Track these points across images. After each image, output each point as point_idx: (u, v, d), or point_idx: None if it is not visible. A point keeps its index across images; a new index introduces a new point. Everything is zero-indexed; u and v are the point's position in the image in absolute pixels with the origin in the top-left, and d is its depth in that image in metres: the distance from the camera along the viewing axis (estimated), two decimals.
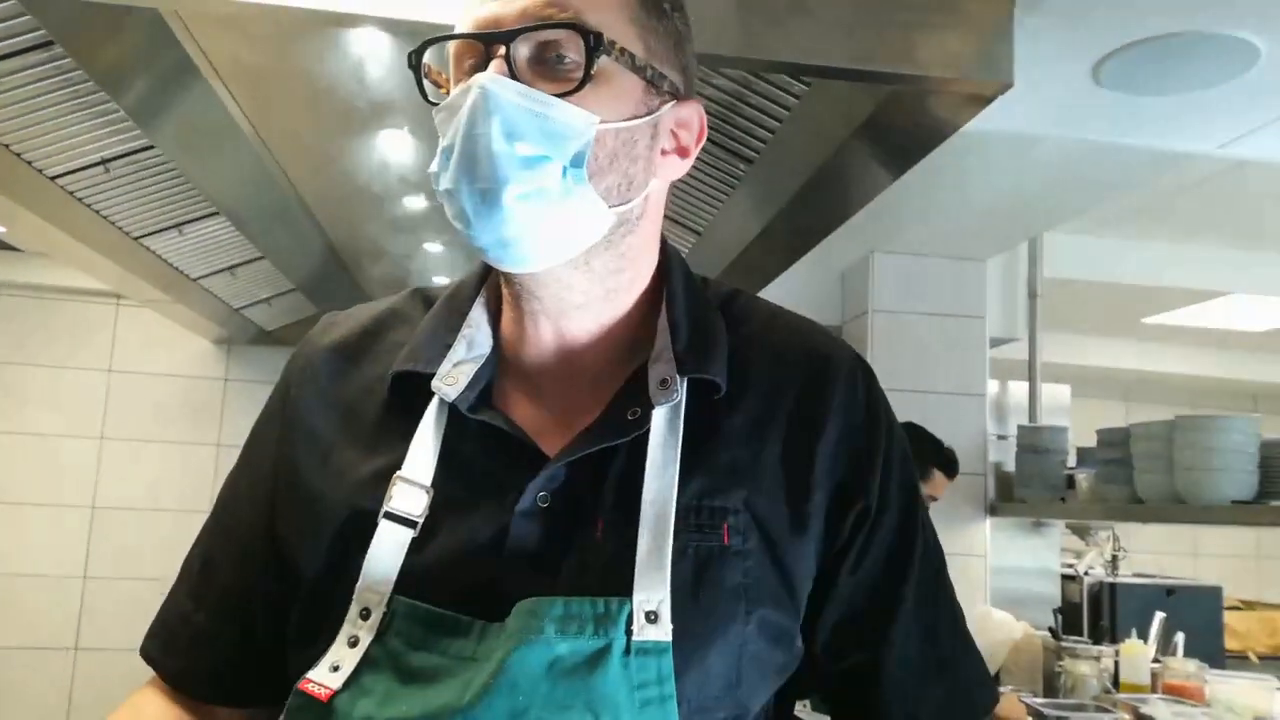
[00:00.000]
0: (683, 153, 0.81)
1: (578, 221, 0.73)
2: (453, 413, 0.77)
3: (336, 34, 1.74)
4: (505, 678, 0.67)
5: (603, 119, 0.72)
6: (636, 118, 0.75)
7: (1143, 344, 4.98)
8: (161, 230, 2.54)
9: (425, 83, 0.76)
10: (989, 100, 1.50)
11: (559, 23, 0.71)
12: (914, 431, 2.92)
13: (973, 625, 2.92)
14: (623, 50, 0.73)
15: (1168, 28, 1.68)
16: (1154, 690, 2.53)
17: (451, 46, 0.75)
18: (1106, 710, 2.19)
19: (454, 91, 0.72)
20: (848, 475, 0.79)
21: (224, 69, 1.89)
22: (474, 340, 0.81)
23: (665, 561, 0.70)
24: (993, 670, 3.04)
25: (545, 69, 0.72)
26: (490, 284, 0.85)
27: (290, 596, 0.78)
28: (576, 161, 0.71)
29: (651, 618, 0.69)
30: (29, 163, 2.03)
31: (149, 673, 0.87)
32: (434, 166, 0.74)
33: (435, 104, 0.74)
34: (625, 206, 0.76)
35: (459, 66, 0.74)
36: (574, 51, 0.72)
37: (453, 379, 0.78)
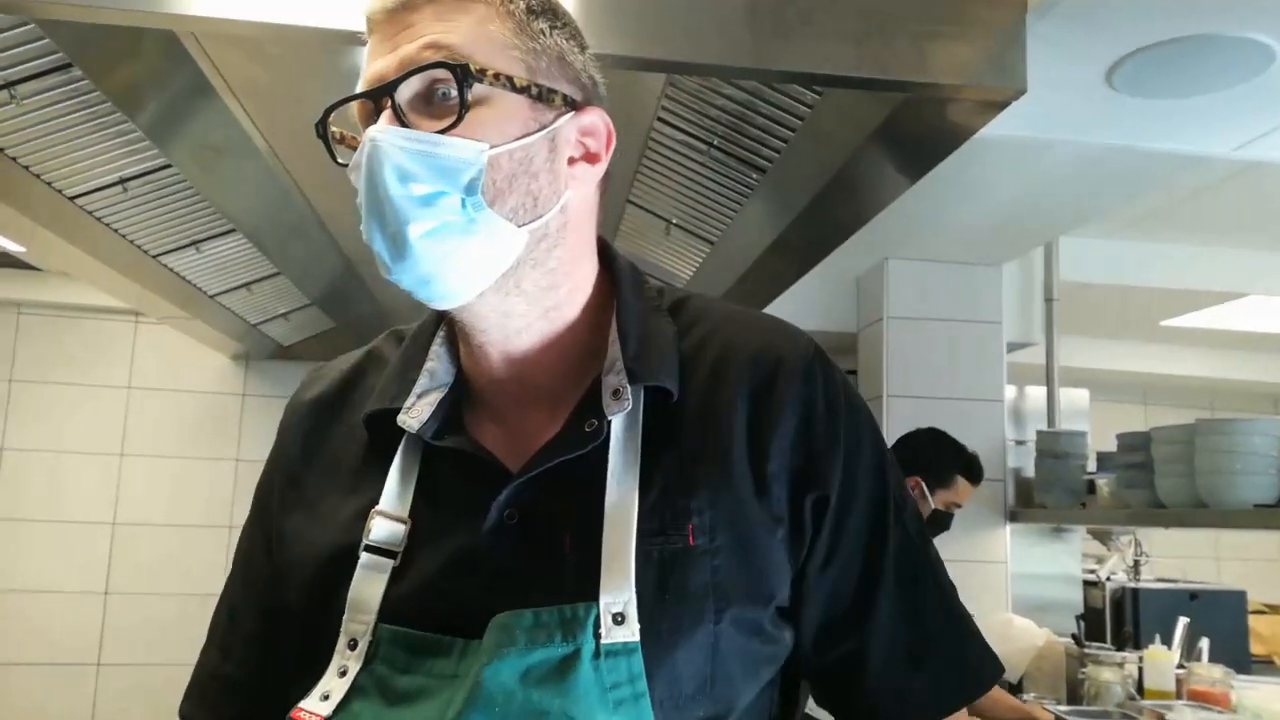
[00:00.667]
0: (592, 159, 0.82)
1: (489, 247, 0.75)
2: (425, 443, 0.80)
3: (348, 52, 1.75)
4: (482, 692, 0.69)
5: (492, 144, 0.74)
6: (528, 135, 0.77)
7: (1161, 347, 4.95)
8: (179, 248, 2.56)
9: (337, 147, 0.80)
10: (1002, 107, 1.50)
11: (426, 65, 0.74)
12: (936, 437, 2.90)
13: (995, 633, 2.89)
14: (497, 75, 0.75)
15: (1181, 31, 1.67)
16: (1179, 696, 2.51)
17: (355, 110, 0.78)
18: (1132, 717, 2.17)
19: (357, 152, 0.75)
20: (804, 466, 0.79)
21: (239, 88, 1.91)
22: (436, 372, 0.84)
23: (629, 564, 0.72)
24: (1015, 678, 3.02)
25: (431, 109, 0.75)
26: (449, 318, 0.87)
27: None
28: (470, 190, 0.73)
29: (618, 619, 0.71)
30: (48, 183, 2.05)
31: (171, 687, 0.91)
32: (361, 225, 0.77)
33: (344, 164, 0.77)
34: (537, 223, 0.78)
35: (363, 125, 0.77)
36: (453, 88, 0.74)
37: (416, 411, 0.81)
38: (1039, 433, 3.46)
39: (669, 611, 0.73)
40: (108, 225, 2.30)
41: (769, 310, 3.15)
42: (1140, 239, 3.69)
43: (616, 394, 0.77)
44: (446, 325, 0.87)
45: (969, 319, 3.51)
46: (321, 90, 1.98)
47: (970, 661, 0.86)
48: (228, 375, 4.20)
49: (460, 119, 0.73)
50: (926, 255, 3.45)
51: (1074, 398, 3.73)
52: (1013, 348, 3.65)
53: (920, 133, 1.63)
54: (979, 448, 2.98)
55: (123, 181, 2.12)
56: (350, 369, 0.92)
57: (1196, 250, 3.75)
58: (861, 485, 0.81)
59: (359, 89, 0.77)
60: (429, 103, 0.74)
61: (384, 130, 0.72)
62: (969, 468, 2.90)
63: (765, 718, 0.81)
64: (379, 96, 0.74)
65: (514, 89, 0.76)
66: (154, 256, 2.56)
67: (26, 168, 1.97)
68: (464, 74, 0.73)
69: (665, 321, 0.84)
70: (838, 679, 0.83)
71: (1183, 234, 3.64)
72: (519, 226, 0.76)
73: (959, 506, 2.90)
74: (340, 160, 0.78)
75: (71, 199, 2.13)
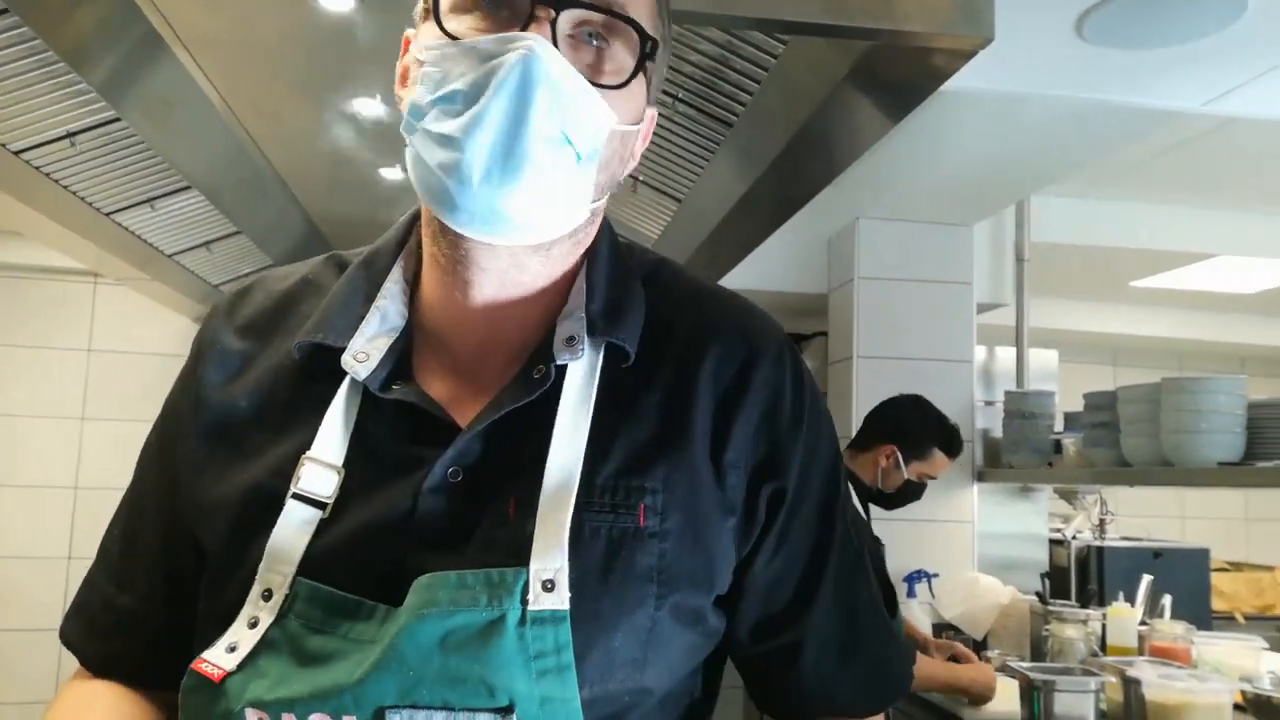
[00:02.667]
0: (635, 156, 0.81)
1: (567, 211, 0.72)
2: (365, 390, 0.75)
3: (304, 2, 1.70)
4: (395, 653, 0.65)
5: (618, 119, 0.72)
6: (635, 123, 0.76)
7: (1130, 307, 4.97)
8: (133, 206, 2.50)
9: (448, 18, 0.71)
10: (969, 55, 1.47)
11: (625, 16, 0.71)
12: (920, 406, 2.80)
13: (961, 591, 2.91)
14: (653, 60, 0.75)
15: None
16: (1141, 653, 2.54)
17: None
18: (1093, 673, 2.19)
19: (489, 38, 0.68)
20: (766, 456, 0.77)
21: (190, 40, 1.85)
22: (387, 312, 0.78)
23: (564, 530, 0.68)
24: (980, 635, 3.05)
25: (578, 50, 0.71)
26: (409, 251, 0.82)
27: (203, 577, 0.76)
28: (592, 156, 0.71)
29: (548, 586, 0.67)
30: None
31: None
32: (423, 99, 0.69)
33: (452, 35, 0.70)
34: (598, 204, 0.76)
35: (490, 7, 0.70)
36: (621, 47, 0.72)
37: (364, 355, 0.75)
38: (1007, 393, 3.47)
39: (611, 591, 0.69)
40: (57, 181, 2.23)
41: (740, 269, 3.16)
42: (1111, 199, 3.69)
43: (570, 340, 0.74)
44: (406, 257, 0.81)
45: (940, 279, 3.50)
46: (276, 41, 1.93)
47: (894, 663, 0.86)
48: (189, 337, 4.09)
49: (622, 86, 0.72)
50: (898, 215, 3.44)
51: (1043, 359, 3.74)
52: (983, 308, 3.65)
53: (887, 82, 1.61)
54: (948, 408, 2.96)
55: (70, 136, 2.05)
56: (282, 294, 0.84)
57: (1167, 210, 3.75)
58: (816, 481, 0.80)
59: None
60: (577, 41, 0.71)
61: (549, 49, 0.67)
62: (949, 441, 2.79)
63: (688, 699, 0.78)
64: (544, 4, 0.68)
65: (646, 75, 0.75)
66: (107, 214, 2.50)
67: None
68: (652, 50, 0.73)
69: (637, 286, 0.80)
70: (769, 669, 0.82)
71: (1153, 194, 3.64)
72: (591, 202, 0.74)
73: (933, 478, 2.81)
74: (447, 29, 0.70)
75: (16, 154, 2.06)
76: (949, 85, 1.62)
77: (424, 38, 0.73)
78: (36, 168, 2.14)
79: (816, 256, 3.75)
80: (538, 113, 0.66)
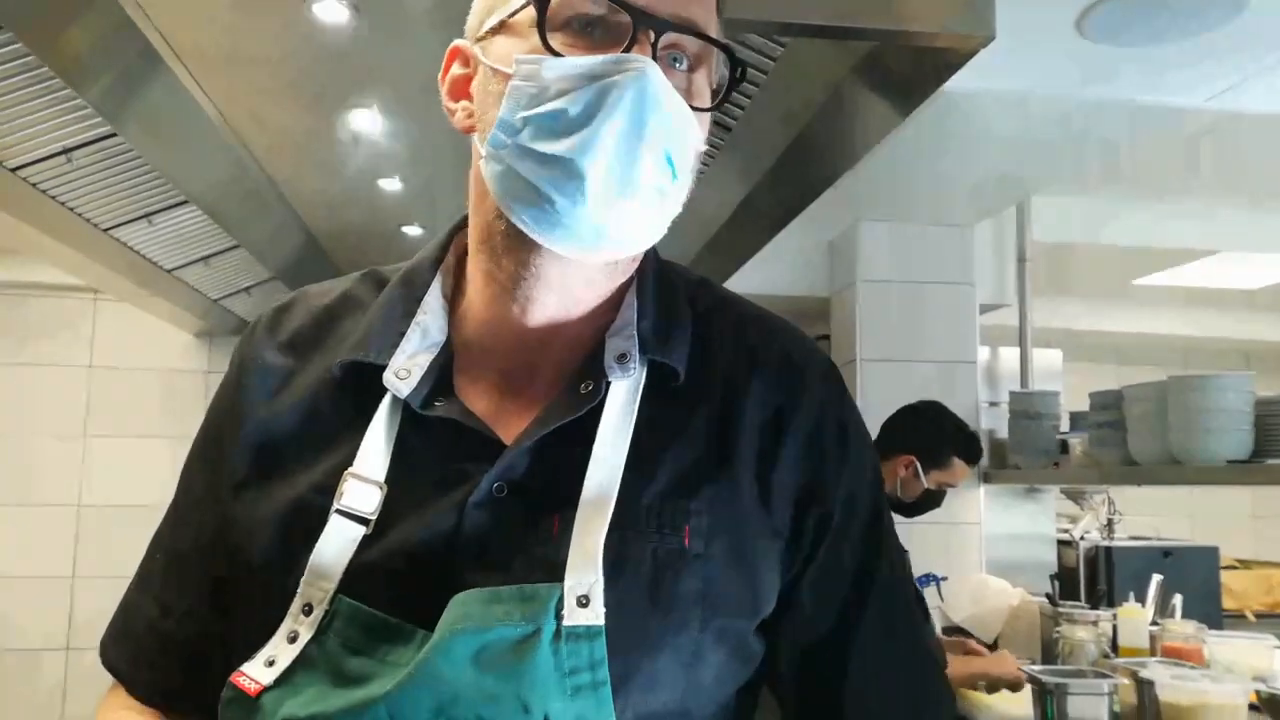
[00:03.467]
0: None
1: (656, 225, 0.73)
2: (407, 406, 0.75)
3: (298, 12, 1.69)
4: (430, 669, 0.64)
5: (702, 139, 0.74)
6: (703, 139, 0.78)
7: (1133, 306, 4.96)
8: (130, 221, 2.49)
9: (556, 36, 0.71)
10: (971, 54, 1.46)
11: (722, 43, 0.73)
12: (938, 413, 2.78)
13: (969, 593, 2.88)
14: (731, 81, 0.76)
15: None
16: (1153, 653, 2.52)
17: (587, 2, 0.71)
18: (1105, 675, 2.17)
19: (600, 59, 0.68)
20: (812, 481, 0.76)
21: (186, 55, 1.84)
22: (428, 329, 0.78)
23: (598, 547, 0.67)
24: (990, 638, 3.03)
25: (671, 73, 0.71)
26: (446, 267, 0.82)
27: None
28: (685, 175, 0.72)
29: (583, 601, 0.66)
30: None
31: None
32: (514, 115, 0.69)
33: (556, 51, 0.69)
34: (672, 219, 0.76)
35: (583, 26, 0.70)
36: (703, 70, 0.74)
37: (405, 372, 0.75)
38: (1012, 394, 3.46)
39: (657, 613, 0.69)
40: (53, 198, 2.23)
41: (741, 274, 3.15)
42: (1112, 198, 3.68)
43: (622, 358, 0.74)
44: (445, 274, 0.81)
45: (942, 281, 3.49)
46: (273, 55, 1.92)
47: (937, 694, 0.85)
48: (191, 352, 4.13)
49: (712, 109, 0.74)
50: (899, 217, 3.43)
51: (1047, 358, 3.73)
52: (985, 309, 3.64)
53: (888, 83, 1.60)
54: (953, 410, 2.94)
55: (66, 151, 2.05)
56: (322, 309, 0.84)
57: (1168, 208, 3.74)
58: (860, 505, 0.79)
59: None
60: (667, 65, 0.71)
61: (659, 73, 0.68)
62: (968, 449, 2.76)
63: None
64: (648, 27, 0.69)
65: (714, 95, 0.77)
66: (104, 230, 2.49)
67: None
68: (742, 74, 0.75)
69: (685, 306, 0.81)
70: (808, 692, 0.80)
71: (1155, 192, 3.63)
72: (670, 217, 0.75)
73: (953, 486, 2.78)
74: (552, 46, 0.69)
75: (13, 170, 2.05)
76: (950, 85, 1.61)
77: (507, 50, 0.72)
78: (33, 184, 2.13)
79: (818, 260, 3.74)
80: (651, 134, 0.67)
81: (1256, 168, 3.26)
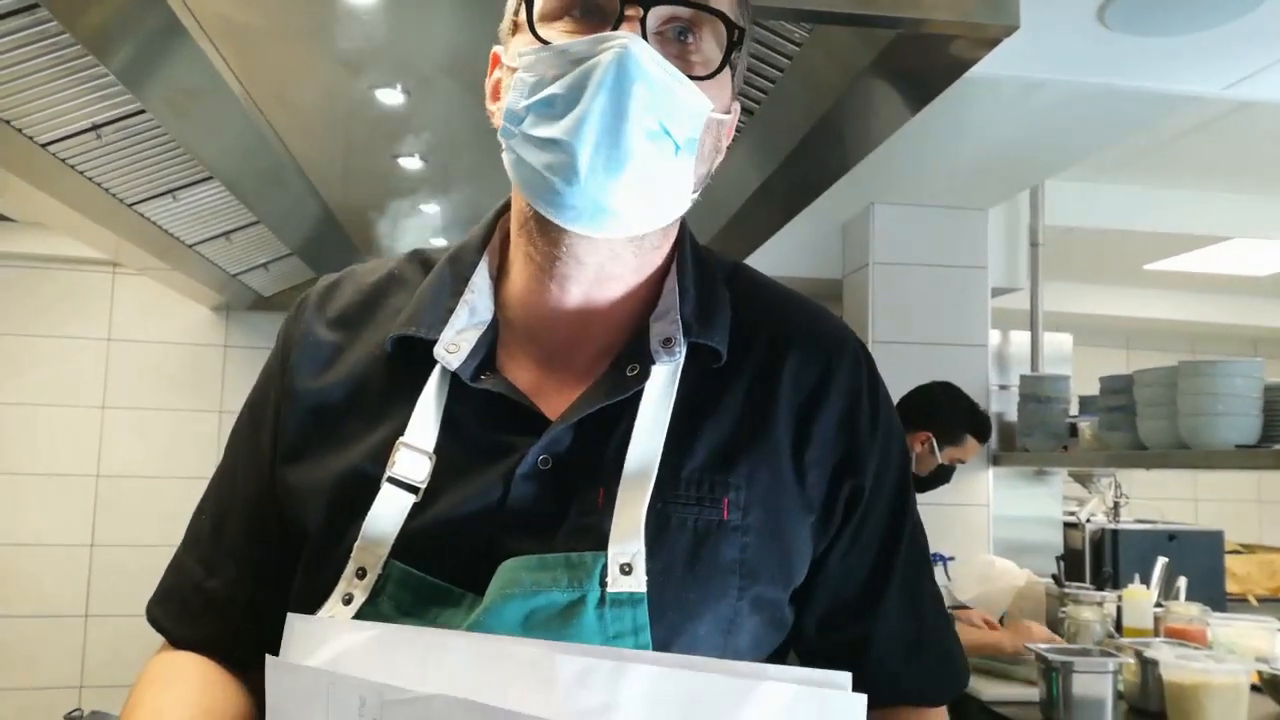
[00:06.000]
0: (721, 151, 0.82)
1: (668, 202, 0.75)
2: (454, 379, 0.78)
3: None
4: (481, 630, 0.68)
5: (712, 107, 0.75)
6: (726, 113, 0.79)
7: (1144, 291, 4.96)
8: (156, 196, 2.52)
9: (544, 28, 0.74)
10: (994, 44, 1.47)
11: (710, 8, 0.74)
12: (952, 394, 2.91)
13: (976, 574, 2.91)
14: (740, 50, 0.77)
15: None
16: (1156, 634, 2.55)
17: None
18: (1111, 654, 2.21)
19: (582, 39, 0.71)
20: (845, 456, 0.80)
21: (212, 28, 1.86)
22: (476, 306, 0.81)
23: (640, 517, 0.70)
24: (997, 617, 3.07)
25: (667, 44, 0.73)
26: (492, 248, 0.85)
27: (296, 559, 0.78)
28: (690, 146, 0.73)
29: (626, 570, 0.69)
30: (19, 130, 2.00)
31: (159, 639, 0.87)
32: (518, 104, 0.72)
33: (544, 40, 0.72)
34: (695, 195, 0.78)
35: (579, 12, 0.73)
36: (708, 37, 0.75)
37: (454, 346, 0.78)
38: (1022, 377, 3.48)
39: (698, 581, 0.72)
40: (81, 173, 2.25)
41: (755, 255, 3.16)
42: (1125, 182, 3.68)
43: (667, 342, 0.77)
44: (491, 254, 0.84)
45: (954, 264, 3.50)
46: (298, 31, 1.94)
47: (956, 658, 0.89)
48: (208, 326, 4.16)
49: (715, 75, 0.74)
50: (912, 200, 3.44)
51: (1057, 342, 3.75)
52: (997, 293, 3.66)
53: (910, 72, 1.61)
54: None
55: (96, 128, 2.07)
56: (370, 287, 0.87)
57: (1181, 194, 3.74)
58: (889, 480, 0.83)
59: None
60: (665, 37, 0.73)
61: (642, 45, 0.69)
62: (980, 426, 2.91)
63: None
64: (633, 3, 0.71)
65: (731, 67, 0.77)
66: (130, 205, 2.52)
67: None
68: (740, 39, 0.75)
69: (722, 289, 0.83)
70: (833, 660, 0.83)
71: (1168, 177, 3.63)
72: (690, 194, 0.76)
73: (963, 462, 2.93)
74: (539, 34, 0.73)
75: (43, 146, 2.08)
76: (968, 71, 1.62)
77: (515, 47, 0.75)
78: (63, 160, 2.15)
79: (831, 242, 3.76)
80: (636, 107, 0.69)
81: (1268, 155, 3.27)
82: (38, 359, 4.03)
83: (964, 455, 2.90)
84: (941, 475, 2.92)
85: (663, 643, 0.70)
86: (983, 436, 2.90)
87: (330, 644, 0.66)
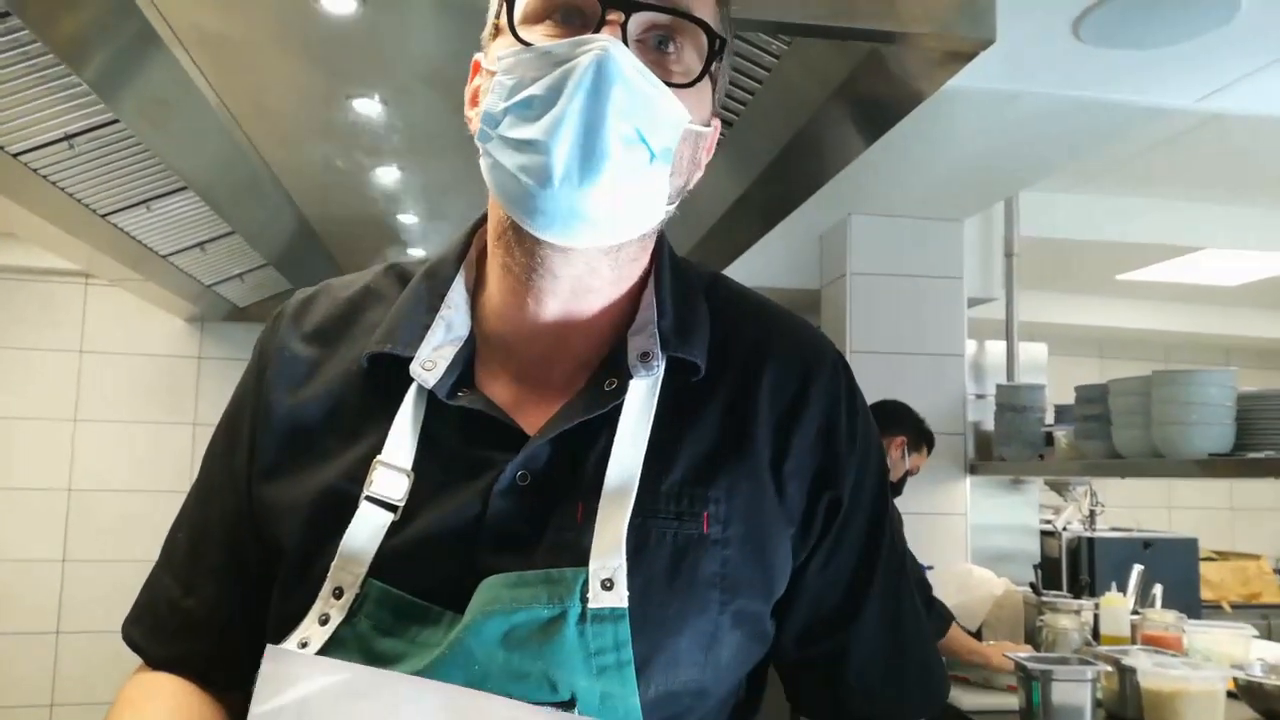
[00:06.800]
0: (700, 166, 0.82)
1: (644, 211, 0.74)
2: (432, 396, 0.77)
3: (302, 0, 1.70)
4: (461, 648, 0.67)
5: (690, 118, 0.74)
6: (706, 125, 0.78)
7: (1117, 301, 5.02)
8: (129, 207, 2.49)
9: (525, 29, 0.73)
10: (970, 57, 1.49)
11: (693, 16, 0.73)
12: (904, 410, 2.96)
13: (954, 583, 2.92)
14: (720, 61, 0.77)
15: None
16: (1133, 642, 2.57)
17: None
18: (1089, 663, 2.22)
19: (563, 42, 0.70)
20: (823, 466, 0.80)
21: (187, 37, 1.85)
22: (452, 322, 0.80)
23: (621, 533, 0.70)
24: (974, 626, 3.08)
25: (647, 52, 0.73)
26: (469, 262, 0.84)
27: (273, 577, 0.77)
28: (665, 155, 0.72)
29: (607, 585, 0.69)
30: None
31: (133, 655, 0.85)
32: (496, 106, 0.71)
33: (526, 42, 0.72)
34: (672, 207, 0.77)
35: (560, 15, 0.73)
36: (689, 47, 0.74)
37: (431, 363, 0.77)
38: (999, 387, 3.50)
39: (677, 595, 0.71)
40: (54, 183, 2.22)
41: (733, 266, 3.17)
42: (1099, 193, 3.72)
43: (645, 357, 0.76)
44: (468, 269, 0.83)
45: (931, 274, 3.53)
46: (274, 40, 1.92)
47: (935, 672, 0.89)
48: (183, 338, 4.12)
49: (694, 83, 0.74)
50: (889, 211, 3.46)
51: (1032, 352, 3.78)
52: (973, 303, 3.68)
53: (887, 85, 1.62)
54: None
55: (69, 138, 2.05)
56: (346, 301, 0.86)
57: (1154, 204, 3.79)
58: (867, 491, 0.82)
59: None
60: (647, 46, 0.73)
61: (622, 49, 0.69)
62: (930, 439, 3.00)
63: (734, 701, 0.80)
64: (615, 7, 0.70)
65: (712, 76, 0.77)
66: (103, 216, 2.49)
67: None
68: (720, 48, 0.75)
69: (701, 302, 0.83)
70: (813, 675, 0.84)
71: (1141, 188, 3.68)
72: (666, 205, 0.75)
73: (915, 474, 3.00)
74: (521, 37, 0.72)
75: (15, 156, 2.05)
76: (945, 84, 1.64)
77: (495, 50, 0.75)
78: (35, 170, 2.13)
79: (809, 252, 3.77)
80: (614, 111, 0.68)
81: (1241, 167, 3.31)
82: (9, 371, 3.97)
83: (919, 464, 2.99)
84: (900, 485, 2.98)
85: (644, 658, 0.69)
86: (931, 446, 3.02)
87: (301, 684, 0.66)
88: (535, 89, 0.69)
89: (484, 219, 0.85)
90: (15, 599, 3.89)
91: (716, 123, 0.82)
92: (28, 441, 3.96)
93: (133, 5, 1.65)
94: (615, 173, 0.69)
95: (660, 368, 0.76)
